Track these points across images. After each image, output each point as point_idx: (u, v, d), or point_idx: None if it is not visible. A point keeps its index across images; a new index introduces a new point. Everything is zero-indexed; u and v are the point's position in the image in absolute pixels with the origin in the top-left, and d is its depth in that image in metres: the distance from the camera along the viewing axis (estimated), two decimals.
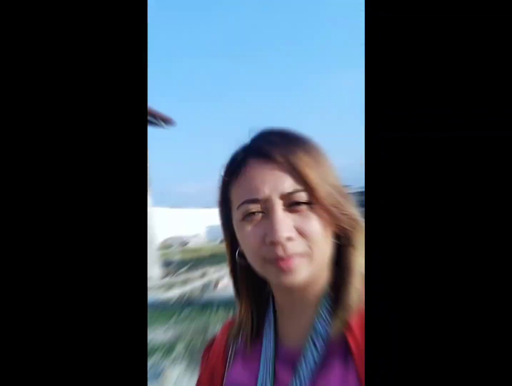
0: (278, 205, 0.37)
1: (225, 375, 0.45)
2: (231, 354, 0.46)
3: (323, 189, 0.37)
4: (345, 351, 0.37)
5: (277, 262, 0.37)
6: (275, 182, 0.37)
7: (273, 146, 0.38)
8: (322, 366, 0.38)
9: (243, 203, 0.39)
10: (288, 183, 0.37)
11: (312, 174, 0.37)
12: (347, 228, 0.40)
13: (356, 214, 0.41)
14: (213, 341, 0.51)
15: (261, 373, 0.41)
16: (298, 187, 0.37)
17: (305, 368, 0.38)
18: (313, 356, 0.38)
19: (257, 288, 0.46)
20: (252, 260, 0.40)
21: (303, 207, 0.38)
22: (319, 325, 0.39)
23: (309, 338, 0.39)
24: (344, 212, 0.39)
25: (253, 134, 0.42)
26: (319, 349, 0.38)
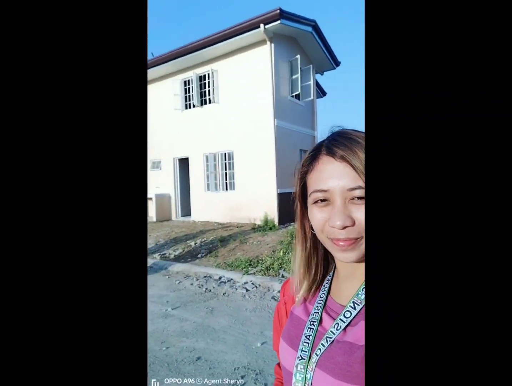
0: (340, 197, 0.46)
1: (294, 306, 0.59)
2: (299, 295, 0.58)
3: None
4: None
5: (335, 241, 0.47)
6: (339, 179, 0.46)
7: (338, 147, 0.46)
8: (355, 323, 0.47)
9: (314, 191, 0.48)
10: (349, 181, 0.45)
11: None
12: None
13: None
14: (289, 280, 0.64)
15: (312, 313, 0.53)
16: (357, 185, 0.45)
17: (342, 321, 0.48)
18: (350, 313, 0.48)
19: (322, 253, 0.58)
20: (318, 234, 0.50)
21: (361, 201, 0.45)
22: (362, 293, 0.49)
23: (352, 301, 0.49)
24: None
25: (329, 134, 0.52)
26: (356, 310, 0.48)
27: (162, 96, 9.07)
